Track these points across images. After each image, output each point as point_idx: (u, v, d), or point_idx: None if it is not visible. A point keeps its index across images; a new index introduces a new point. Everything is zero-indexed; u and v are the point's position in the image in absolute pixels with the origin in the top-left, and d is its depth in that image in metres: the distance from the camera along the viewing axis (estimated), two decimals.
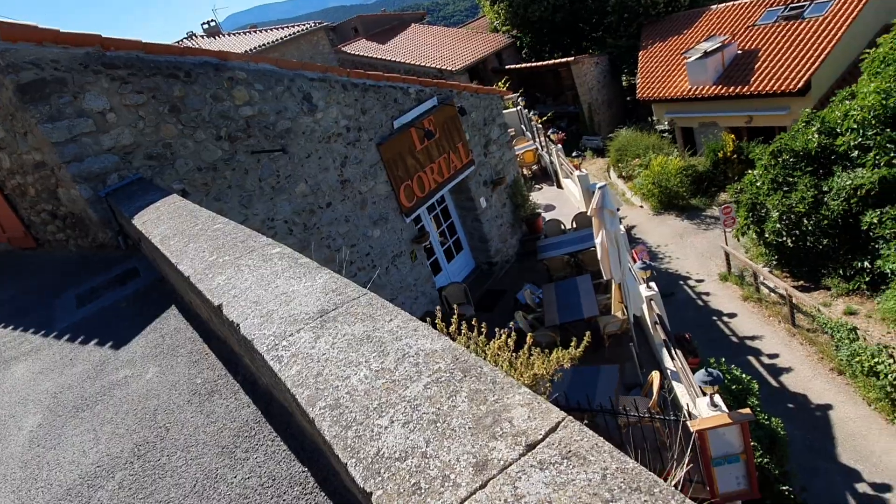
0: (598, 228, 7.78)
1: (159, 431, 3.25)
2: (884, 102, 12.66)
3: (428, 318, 3.45)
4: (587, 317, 9.41)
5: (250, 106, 7.82)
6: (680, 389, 7.74)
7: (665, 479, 4.78)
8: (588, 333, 3.44)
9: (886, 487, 8.43)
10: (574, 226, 13.44)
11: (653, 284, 9.06)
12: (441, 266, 12.24)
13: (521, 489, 1.34)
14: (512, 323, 10.41)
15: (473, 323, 3.24)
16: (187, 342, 4.17)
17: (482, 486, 1.38)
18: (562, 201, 16.04)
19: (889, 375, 9.32)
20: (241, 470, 2.74)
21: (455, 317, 3.37)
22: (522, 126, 19.89)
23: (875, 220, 12.12)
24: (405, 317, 2.21)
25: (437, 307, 4.81)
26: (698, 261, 16.64)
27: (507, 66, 31.34)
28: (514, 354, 2.71)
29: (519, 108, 19.83)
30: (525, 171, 18.25)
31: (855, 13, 19.38)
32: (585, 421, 7.54)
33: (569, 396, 7.59)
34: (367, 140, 9.44)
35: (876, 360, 9.70)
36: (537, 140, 18.71)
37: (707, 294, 14.94)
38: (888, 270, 11.78)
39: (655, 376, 7.84)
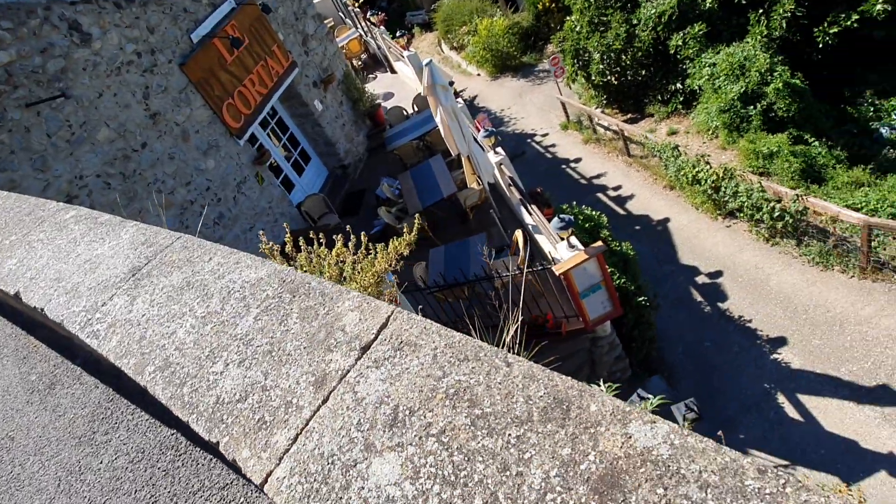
0: (434, 107, 7.69)
1: (3, 442, 2.91)
2: None
3: (287, 241, 3.28)
4: (447, 195, 9.58)
5: (3, 50, 6.48)
6: (542, 240, 8.31)
7: (544, 322, 5.15)
8: (418, 217, 3.46)
9: (719, 273, 9.95)
10: (416, 109, 13.24)
11: (500, 149, 9.32)
12: (293, 181, 11.67)
13: (360, 392, 1.33)
14: (378, 220, 10.40)
15: (335, 239, 3.14)
16: (9, 339, 3.66)
17: (324, 401, 1.36)
18: (399, 86, 15.61)
19: (708, 180, 10.65)
20: (105, 454, 2.54)
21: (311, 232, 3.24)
22: (340, 14, 18.58)
23: (680, 43, 13.15)
24: (225, 251, 2.04)
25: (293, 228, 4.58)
26: (540, 116, 17.34)
27: None
28: (356, 256, 2.68)
29: None
30: (355, 63, 17.35)
31: None
32: (466, 293, 7.96)
33: (446, 274, 7.89)
34: (167, 63, 8.31)
35: (697, 169, 10.99)
36: (359, 26, 17.65)
37: (553, 146, 15.78)
38: (696, 87, 13.05)
39: (519, 235, 8.31)
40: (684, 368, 8.96)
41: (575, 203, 9.44)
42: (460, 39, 22.00)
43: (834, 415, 7.23)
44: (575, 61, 15.50)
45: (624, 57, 14.25)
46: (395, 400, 1.28)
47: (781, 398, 7.74)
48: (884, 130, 11.45)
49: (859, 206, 8.78)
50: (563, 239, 7.11)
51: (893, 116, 11.41)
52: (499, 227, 9.24)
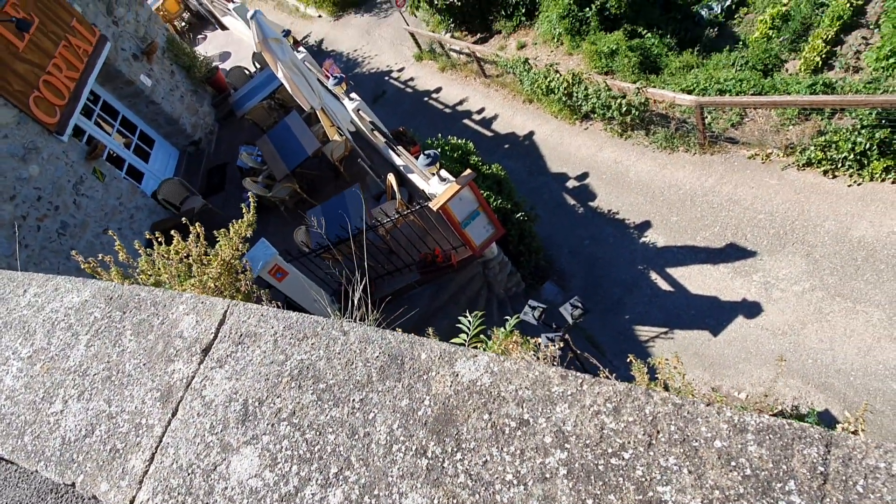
0: (273, 62, 7.24)
1: None
2: None
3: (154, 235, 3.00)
4: (311, 153, 9.26)
5: None
6: (415, 179, 8.34)
7: (433, 258, 5.20)
8: (264, 194, 3.33)
9: (585, 175, 10.57)
10: (258, 66, 12.41)
11: (354, 95, 9.05)
12: (141, 170, 10.70)
13: (208, 395, 1.31)
14: (249, 194, 9.88)
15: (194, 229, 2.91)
16: None
17: (174, 414, 1.32)
18: (234, 44, 14.47)
19: (560, 88, 11.07)
20: None
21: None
22: None
23: None
24: (40, 279, 1.86)
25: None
26: (392, 50, 16.93)
27: None
28: (197, 248, 2.54)
29: None
30: (177, 25, 15.78)
31: None
32: (353, 247, 7.89)
33: (328, 233, 7.75)
34: None
35: (548, 79, 11.36)
36: None
37: (412, 79, 15.57)
38: None
39: (392, 178, 8.28)
40: (571, 268, 9.61)
41: (440, 135, 9.49)
42: None
43: (696, 279, 8.16)
44: None
45: None
46: (244, 395, 1.27)
47: (654, 275, 8.58)
48: (703, 12, 12.38)
49: (691, 88, 9.55)
50: (433, 174, 7.17)
51: None
52: (371, 175, 9.13)
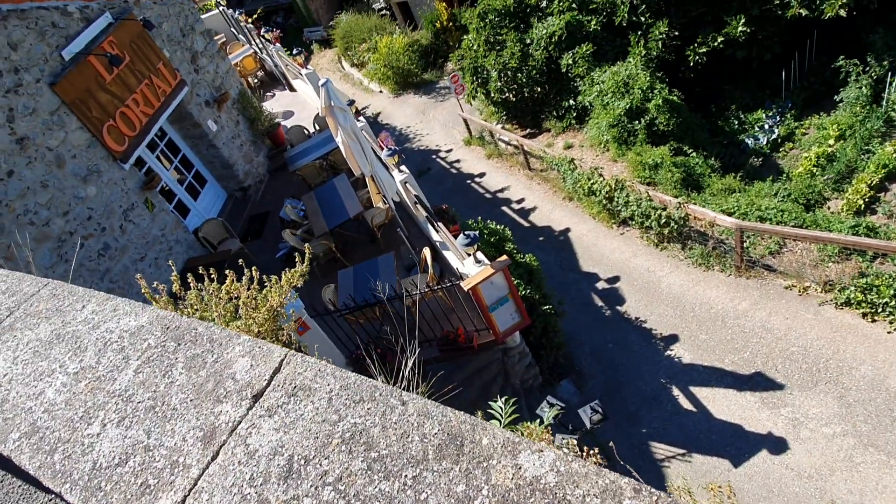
0: (334, 127, 7.61)
1: None
2: None
3: (189, 273, 3.06)
4: (353, 215, 9.48)
5: None
6: (449, 256, 8.42)
7: (455, 337, 5.17)
8: (308, 248, 3.40)
9: (616, 278, 10.54)
10: (317, 128, 13.03)
11: (403, 168, 9.37)
12: (188, 206, 11.07)
13: (252, 444, 1.28)
14: (285, 244, 10.08)
15: (239, 264, 2.98)
16: None
17: (214, 457, 1.29)
18: (299, 105, 15.30)
19: (602, 191, 11.29)
20: None
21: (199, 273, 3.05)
22: (233, 30, 17.96)
23: (570, 62, 13.91)
24: (100, 297, 1.89)
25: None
26: (443, 132, 17.67)
27: None
28: (249, 291, 2.57)
29: (222, 9, 17.73)
30: (250, 80, 16.82)
31: None
32: (378, 313, 7.89)
33: (355, 296, 7.78)
34: (35, 82, 7.63)
35: (591, 181, 11.63)
36: (253, 43, 17.14)
37: (458, 161, 16.11)
38: (587, 103, 13.85)
39: (427, 252, 8.38)
40: (591, 370, 9.38)
41: (480, 218, 9.67)
42: (360, 56, 22.01)
43: (721, 403, 7.85)
44: (474, 78, 15.95)
45: (520, 75, 14.85)
46: (290, 449, 1.24)
47: (676, 391, 8.30)
48: (749, 141, 12.71)
49: (732, 210, 9.66)
50: (469, 255, 7.24)
51: (756, 128, 12.71)
52: (407, 245, 9.26)
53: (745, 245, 9.16)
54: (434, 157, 16.62)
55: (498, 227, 9.53)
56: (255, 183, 12.38)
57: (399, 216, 9.30)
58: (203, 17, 12.28)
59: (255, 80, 16.98)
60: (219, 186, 11.97)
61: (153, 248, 9.18)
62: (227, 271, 2.74)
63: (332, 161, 11.51)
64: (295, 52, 13.96)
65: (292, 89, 16.23)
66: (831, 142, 11.46)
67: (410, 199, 9.33)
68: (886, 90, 11.54)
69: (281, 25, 26.94)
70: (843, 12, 10.91)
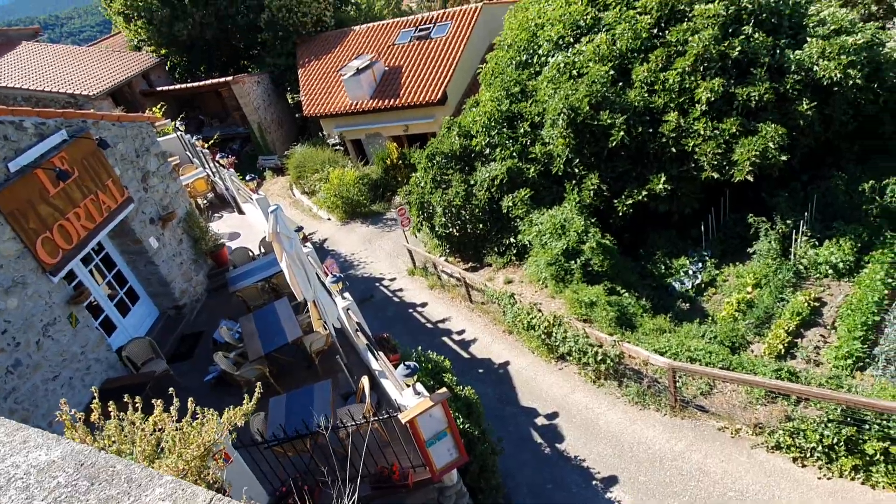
0: (279, 252, 7.67)
1: None
2: (499, 108, 15.58)
3: (109, 399, 2.83)
4: (291, 339, 9.25)
5: None
6: (388, 386, 8.22)
7: (390, 474, 4.91)
8: (258, 386, 3.29)
9: (555, 414, 10.47)
10: (263, 251, 13.05)
11: (347, 294, 9.39)
12: (115, 323, 10.51)
13: None
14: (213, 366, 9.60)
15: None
16: None
17: None
18: (247, 227, 15.42)
19: (541, 326, 11.58)
20: None
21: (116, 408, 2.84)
22: (188, 153, 18.41)
23: (511, 204, 14.87)
24: (10, 427, 1.74)
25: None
26: (388, 261, 18.02)
27: (159, 88, 28.62)
28: (178, 425, 2.40)
29: (180, 133, 18.28)
30: (200, 201, 16.96)
31: (467, 35, 23.36)
32: (309, 445, 7.42)
33: (286, 426, 7.35)
34: None
35: (531, 316, 11.94)
36: (207, 166, 17.55)
37: (401, 290, 16.30)
38: (526, 242, 14.62)
39: (365, 381, 8.16)
40: None
41: (420, 348, 9.63)
42: (312, 185, 22.78)
43: None
44: (420, 213, 16.68)
45: (464, 212, 15.68)
46: None
47: None
48: (676, 285, 13.57)
49: (664, 350, 10.03)
50: (408, 385, 7.10)
51: (681, 273, 13.65)
52: (345, 373, 9.01)
53: (678, 385, 9.42)
54: (378, 285, 16.78)
55: (438, 357, 9.49)
56: (191, 302, 12.00)
57: (339, 343, 9.13)
58: (160, 139, 12.59)
59: (205, 202, 17.14)
60: (152, 304, 11.52)
61: (69, 366, 8.52)
62: (154, 401, 2.57)
63: (274, 284, 11.41)
64: (248, 177, 14.35)
65: (241, 212, 16.43)
66: (749, 289, 12.40)
67: (352, 326, 9.25)
68: (793, 245, 12.84)
69: (237, 152, 27.87)
70: (750, 177, 12.41)
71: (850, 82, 12.64)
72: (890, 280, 11.57)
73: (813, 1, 14.87)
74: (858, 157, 15.03)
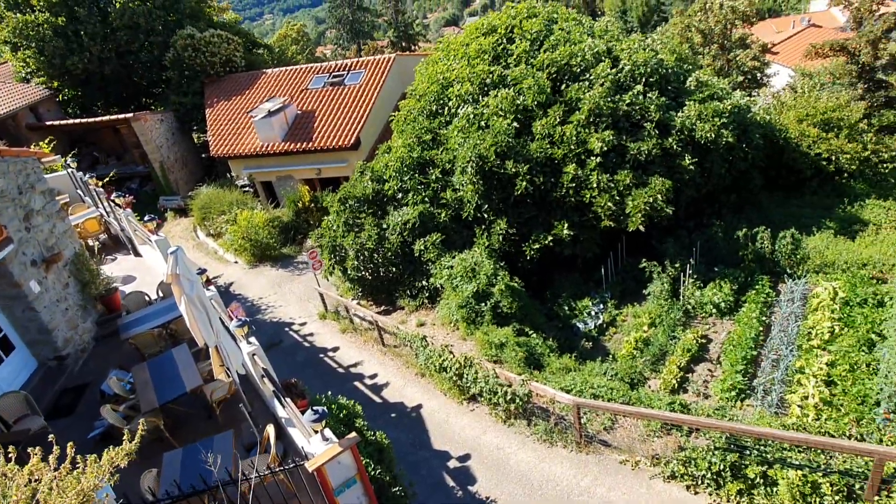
0: (179, 295, 7.31)
1: None
2: (411, 154, 15.97)
3: None
4: (190, 389, 8.72)
5: None
6: (295, 434, 7.90)
7: None
8: (142, 423, 3.13)
9: (468, 456, 10.46)
10: (161, 295, 12.31)
11: (253, 339, 9.03)
12: None
13: None
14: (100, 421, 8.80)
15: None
16: None
17: None
18: (143, 270, 14.51)
19: (452, 368, 11.66)
20: None
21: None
22: (79, 191, 17.22)
23: (423, 248, 15.09)
24: None
25: None
26: (298, 305, 17.54)
27: (48, 123, 26.76)
28: (56, 473, 2.21)
29: (71, 170, 17.10)
30: (92, 242, 15.81)
31: (381, 83, 23.95)
32: (207, 502, 6.92)
33: (182, 482, 6.84)
34: None
35: (442, 358, 12.01)
36: (101, 206, 16.47)
37: (311, 335, 15.86)
38: (438, 285, 14.83)
39: (271, 430, 7.81)
40: None
41: (330, 393, 9.38)
42: (218, 227, 21.94)
43: None
44: (332, 256, 16.51)
45: (376, 255, 15.70)
46: None
47: None
48: (580, 325, 14.23)
49: (569, 388, 10.41)
50: (316, 432, 6.88)
51: (584, 314, 14.34)
52: (249, 422, 8.58)
53: (582, 421, 9.77)
54: (287, 329, 16.25)
55: (349, 402, 9.28)
56: (76, 351, 11.01)
57: (243, 390, 8.72)
58: (48, 176, 11.73)
59: (97, 243, 15.98)
60: (29, 354, 10.46)
61: None
62: (31, 449, 2.36)
63: (173, 330, 10.77)
64: (147, 218, 13.62)
65: (138, 254, 15.47)
66: (645, 328, 13.24)
67: (257, 372, 8.87)
68: (682, 287, 13.94)
69: (135, 191, 26.42)
70: (641, 227, 13.48)
71: (723, 141, 14.22)
72: (764, 318, 12.82)
73: (691, 69, 16.73)
74: (735, 207, 16.78)
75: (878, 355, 10.64)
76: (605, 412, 9.98)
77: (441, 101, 16.91)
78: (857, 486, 7.00)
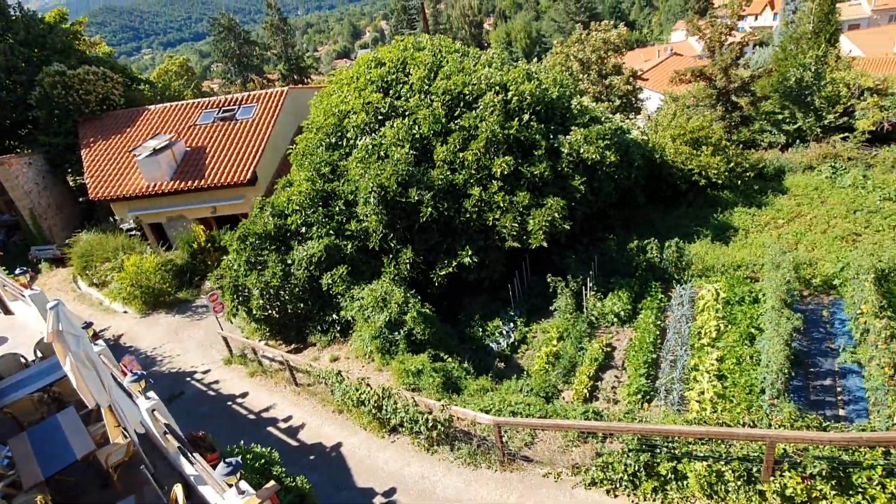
0: (63, 354, 6.63)
1: None
2: (312, 187, 15.70)
3: None
4: (81, 456, 7.86)
5: None
6: (207, 491, 7.35)
7: None
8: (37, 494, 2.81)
9: (393, 490, 10.23)
10: (40, 355, 11.07)
11: (151, 394, 8.34)
12: None
13: None
14: None
15: None
16: None
17: None
18: (16, 330, 13.01)
19: (371, 400, 11.43)
20: None
21: None
22: None
23: (331, 281, 14.79)
24: None
25: None
26: (200, 352, 16.50)
27: None
28: None
29: None
30: None
31: (275, 117, 23.49)
32: None
33: None
34: None
35: (360, 391, 11.75)
36: None
37: (217, 382, 14.94)
38: (350, 317, 14.56)
39: (178, 490, 7.20)
40: None
41: (243, 442, 8.86)
42: (103, 276, 20.27)
43: None
44: (234, 297, 15.73)
45: (282, 292, 15.16)
46: None
47: None
48: (493, 345, 14.51)
49: (489, 408, 10.53)
50: (231, 485, 6.45)
51: (496, 334, 14.66)
52: (153, 484, 7.86)
53: (504, 439, 9.89)
54: (189, 379, 15.20)
55: (264, 450, 8.82)
56: None
57: (144, 450, 8.01)
58: None
59: None
60: None
61: None
62: None
63: (57, 392, 9.71)
64: (18, 271, 12.29)
65: (9, 312, 13.88)
66: (554, 342, 13.74)
67: (159, 428, 8.19)
68: (584, 300, 14.65)
69: (2, 243, 23.83)
70: (544, 243, 14.10)
71: (608, 161, 15.28)
72: (659, 322, 13.76)
73: (573, 95, 17.91)
74: (624, 221, 18.02)
75: (759, 347, 11.74)
76: (524, 428, 10.19)
77: (339, 133, 16.84)
78: (755, 469, 7.61)
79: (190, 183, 21.51)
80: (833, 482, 7.17)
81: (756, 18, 79.82)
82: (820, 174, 19.55)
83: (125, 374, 8.64)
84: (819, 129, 22.00)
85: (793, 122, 22.62)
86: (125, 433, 7.63)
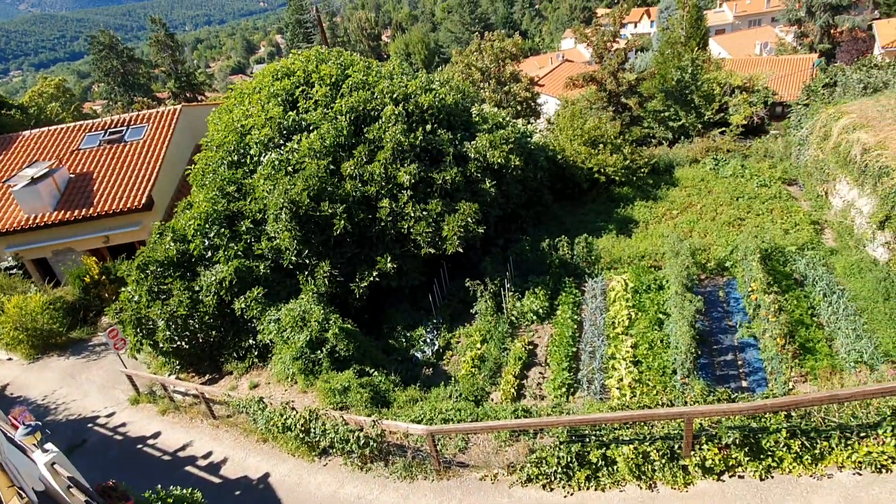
0: None
1: None
2: (215, 208, 14.93)
3: None
4: None
5: None
6: None
7: None
8: None
9: None
10: None
11: (49, 446, 7.54)
12: None
13: None
14: None
15: None
16: None
17: None
18: None
19: (297, 424, 10.99)
20: None
21: None
22: None
23: (244, 305, 14.10)
24: None
25: None
26: (102, 394, 15.18)
27: None
28: None
29: None
30: None
31: (169, 136, 22.18)
32: None
33: None
34: None
35: (285, 416, 11.26)
36: None
37: (123, 425, 13.80)
38: (268, 341, 13.95)
39: None
40: None
41: (160, 486, 8.21)
42: None
43: None
44: (137, 331, 14.60)
45: (191, 321, 14.27)
46: None
47: None
48: (418, 354, 14.45)
49: (420, 418, 10.45)
50: None
51: (420, 343, 14.61)
52: None
53: (438, 448, 9.84)
54: (91, 425, 13.92)
55: (184, 491, 8.22)
56: None
57: None
58: None
59: None
60: None
61: None
62: None
63: None
64: None
65: None
66: (478, 345, 13.91)
67: (61, 483, 7.41)
68: (503, 300, 14.95)
69: None
70: (460, 248, 14.24)
71: (513, 164, 15.74)
72: (576, 316, 14.31)
73: (473, 102, 18.33)
74: (535, 221, 18.61)
75: (668, 331, 12.51)
76: (457, 434, 10.19)
77: (241, 150, 16.18)
78: (676, 446, 8.06)
79: (77, 212, 19.79)
80: (745, 449, 7.74)
81: (636, 26, 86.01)
82: (704, 166, 21.26)
83: (16, 428, 7.75)
84: (700, 125, 23.97)
85: (677, 119, 24.48)
86: (21, 493, 6.82)
